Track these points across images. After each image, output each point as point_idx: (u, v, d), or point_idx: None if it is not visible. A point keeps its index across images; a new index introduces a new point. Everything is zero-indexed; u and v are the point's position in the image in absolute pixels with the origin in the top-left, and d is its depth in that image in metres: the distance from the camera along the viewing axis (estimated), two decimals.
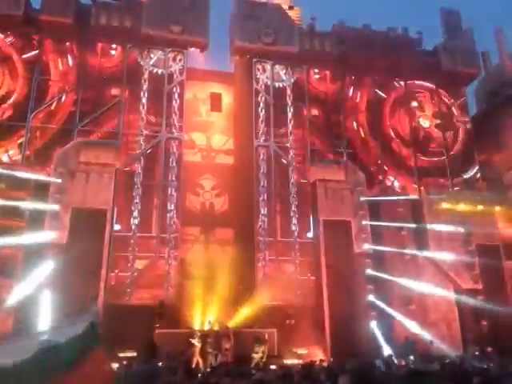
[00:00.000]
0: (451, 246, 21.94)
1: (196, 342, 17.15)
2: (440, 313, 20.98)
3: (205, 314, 19.76)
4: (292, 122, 24.26)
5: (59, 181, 19.32)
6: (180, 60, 23.67)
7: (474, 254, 21.94)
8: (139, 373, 5.69)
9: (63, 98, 22.57)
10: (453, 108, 27.24)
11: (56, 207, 18.85)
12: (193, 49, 24.00)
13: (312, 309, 20.33)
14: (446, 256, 21.24)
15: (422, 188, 23.98)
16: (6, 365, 3.88)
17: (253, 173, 22.76)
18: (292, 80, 24.97)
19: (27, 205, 18.75)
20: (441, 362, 13.81)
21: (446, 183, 24.81)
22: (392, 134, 25.68)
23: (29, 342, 4.72)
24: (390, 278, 20.67)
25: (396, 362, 15.41)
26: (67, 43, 23.24)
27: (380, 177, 24.50)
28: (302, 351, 18.97)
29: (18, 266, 17.96)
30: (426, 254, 21.71)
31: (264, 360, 17.02)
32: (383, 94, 26.41)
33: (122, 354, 17.24)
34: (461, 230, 21.76)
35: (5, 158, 20.48)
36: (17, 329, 17.06)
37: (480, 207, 22.74)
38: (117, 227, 20.61)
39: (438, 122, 26.53)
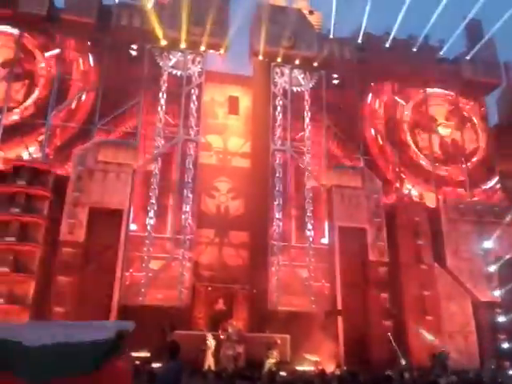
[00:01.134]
0: (469, 256, 21.66)
1: (209, 344, 17.09)
2: (456, 325, 20.66)
3: (217, 317, 19.72)
4: (309, 127, 24.17)
5: (78, 179, 19.45)
6: (199, 62, 23.76)
7: (492, 266, 21.58)
8: (170, 369, 5.99)
9: (83, 97, 22.75)
10: (473, 117, 26.94)
11: (74, 205, 18.97)
12: (212, 51, 24.07)
13: (326, 315, 20.10)
14: (463, 267, 20.94)
15: (439, 197, 23.68)
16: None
17: (268, 177, 22.71)
18: (310, 85, 24.91)
19: (46, 202, 18.92)
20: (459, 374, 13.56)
21: (464, 193, 24.48)
22: (410, 141, 25.44)
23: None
24: (405, 286, 20.42)
25: (408, 375, 15.16)
26: (89, 43, 23.46)
27: (397, 184, 24.25)
28: (314, 358, 18.78)
29: (36, 262, 18.08)
30: (442, 263, 21.40)
31: (276, 365, 16.88)
32: (402, 101, 26.21)
33: (135, 354, 17.25)
34: (479, 240, 21.45)
35: (25, 155, 20.66)
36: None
37: (499, 218, 22.37)
38: (133, 227, 20.67)
39: (458, 130, 26.24)
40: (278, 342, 17.52)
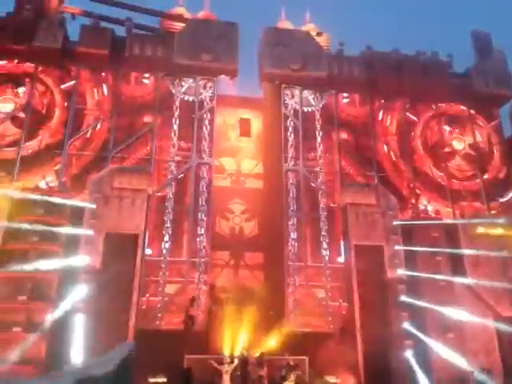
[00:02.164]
0: (489, 271, 21.18)
1: (226, 368, 16.96)
2: (479, 342, 20.05)
3: (235, 340, 19.56)
4: (321, 146, 24.28)
5: (94, 206, 19.78)
6: (210, 87, 24.21)
7: None
8: None
9: (98, 126, 23.33)
10: (487, 130, 26.68)
11: (90, 232, 19.25)
12: (223, 76, 24.53)
13: (344, 336, 19.77)
14: (483, 282, 20.44)
15: (456, 212, 23.34)
16: None
17: (282, 197, 22.78)
18: (321, 104, 25.12)
19: (63, 230, 19.25)
20: None
21: (481, 207, 24.09)
22: (424, 157, 25.26)
23: (67, 373, 4.89)
24: (425, 304, 20.01)
25: None
26: (103, 73, 24.18)
27: (413, 201, 24.01)
28: (334, 379, 18.44)
29: (54, 290, 18.31)
30: (462, 279, 20.94)
31: None
32: (414, 117, 26.16)
33: (152, 380, 17.22)
34: (499, 254, 20.97)
35: (42, 185, 21.16)
36: (50, 353, 17.32)
37: None
38: (148, 251, 20.87)
39: (472, 144, 26.02)
40: (292, 363, 17.31)
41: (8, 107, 22.51)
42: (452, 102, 26.79)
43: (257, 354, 18.13)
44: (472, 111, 26.77)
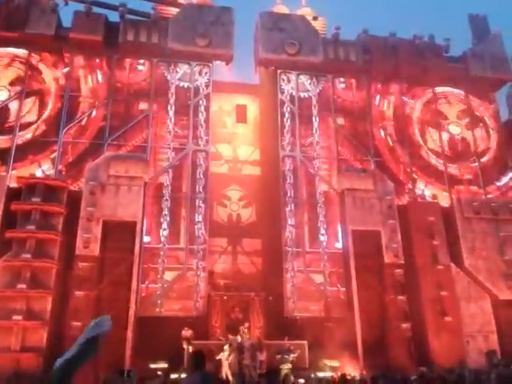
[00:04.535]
0: (486, 255, 21.34)
1: (226, 354, 17.09)
2: (476, 325, 20.31)
3: (234, 326, 19.70)
4: (318, 132, 24.17)
5: (90, 194, 19.72)
6: (206, 73, 23.96)
7: (510, 264, 21.24)
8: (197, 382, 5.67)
9: (93, 113, 23.10)
10: (484, 114, 26.66)
11: (88, 220, 19.22)
12: (218, 62, 24.29)
13: (343, 320, 19.93)
14: (480, 266, 20.63)
15: (453, 196, 23.41)
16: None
17: (279, 183, 22.72)
18: (317, 90, 24.92)
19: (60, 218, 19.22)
20: None
21: (478, 191, 24.16)
22: (421, 141, 25.25)
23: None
24: (422, 288, 20.18)
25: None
26: (97, 60, 23.87)
27: (410, 185, 24.05)
28: (333, 363, 18.64)
29: (52, 278, 18.31)
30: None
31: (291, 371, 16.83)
32: (411, 101, 26.07)
33: (153, 365, 17.35)
34: (496, 238, 21.14)
35: (38, 173, 21.01)
36: (51, 341, 17.41)
37: None
38: (146, 239, 20.86)
39: (469, 128, 26.00)
40: (291, 347, 17.46)
41: (3, 95, 22.21)
42: (449, 86, 26.67)
43: (255, 340, 18.28)
44: (469, 95, 26.68)
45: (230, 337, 17.89)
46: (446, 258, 21.23)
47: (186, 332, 18.19)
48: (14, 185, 19.95)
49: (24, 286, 17.74)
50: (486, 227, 21.96)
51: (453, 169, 24.85)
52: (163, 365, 17.45)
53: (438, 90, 26.45)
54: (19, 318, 17.28)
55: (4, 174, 20.18)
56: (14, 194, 19.36)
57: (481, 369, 16.99)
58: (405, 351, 19.22)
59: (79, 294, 18.25)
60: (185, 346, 17.72)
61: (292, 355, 16.97)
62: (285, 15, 26.41)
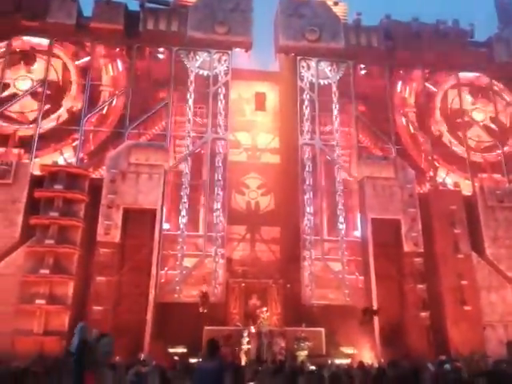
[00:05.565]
0: (508, 244, 20.91)
1: (245, 340, 17.35)
2: (497, 314, 20.02)
3: (252, 313, 19.89)
4: (338, 119, 23.91)
5: (111, 181, 20.05)
6: (225, 61, 23.91)
7: None
8: (210, 371, 5.80)
9: (114, 102, 23.36)
10: (508, 100, 25.90)
11: (109, 207, 19.57)
12: (237, 49, 24.19)
13: (363, 313, 19.80)
14: (502, 255, 20.24)
15: (476, 184, 22.93)
16: None
17: (298, 171, 22.63)
18: (338, 77, 24.59)
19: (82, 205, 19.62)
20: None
21: (502, 179, 23.60)
22: (443, 128, 24.74)
23: None
24: (442, 277, 19.94)
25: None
26: (117, 49, 24.07)
27: (431, 173, 23.64)
28: (350, 351, 18.66)
29: (74, 263, 18.76)
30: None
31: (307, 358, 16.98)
32: (433, 88, 25.52)
33: (172, 350, 17.67)
34: None
35: (60, 161, 21.44)
36: (73, 325, 17.85)
37: None
38: (166, 226, 21.13)
39: (493, 115, 25.34)
40: (303, 334, 17.60)
41: (26, 84, 22.62)
42: (473, 72, 25.99)
43: (274, 326, 18.46)
44: (493, 81, 25.95)
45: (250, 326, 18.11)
46: (467, 246, 20.90)
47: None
48: (37, 172, 20.40)
49: (47, 271, 18.24)
50: (509, 216, 21.50)
51: (476, 156, 24.31)
52: (182, 349, 17.75)
53: (462, 75, 25.80)
54: (42, 302, 17.79)
55: (27, 161, 20.64)
56: (37, 182, 19.82)
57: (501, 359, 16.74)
58: (423, 340, 19.08)
59: (100, 279, 18.67)
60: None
61: (307, 343, 17.11)
62: (305, 1, 25.99)
